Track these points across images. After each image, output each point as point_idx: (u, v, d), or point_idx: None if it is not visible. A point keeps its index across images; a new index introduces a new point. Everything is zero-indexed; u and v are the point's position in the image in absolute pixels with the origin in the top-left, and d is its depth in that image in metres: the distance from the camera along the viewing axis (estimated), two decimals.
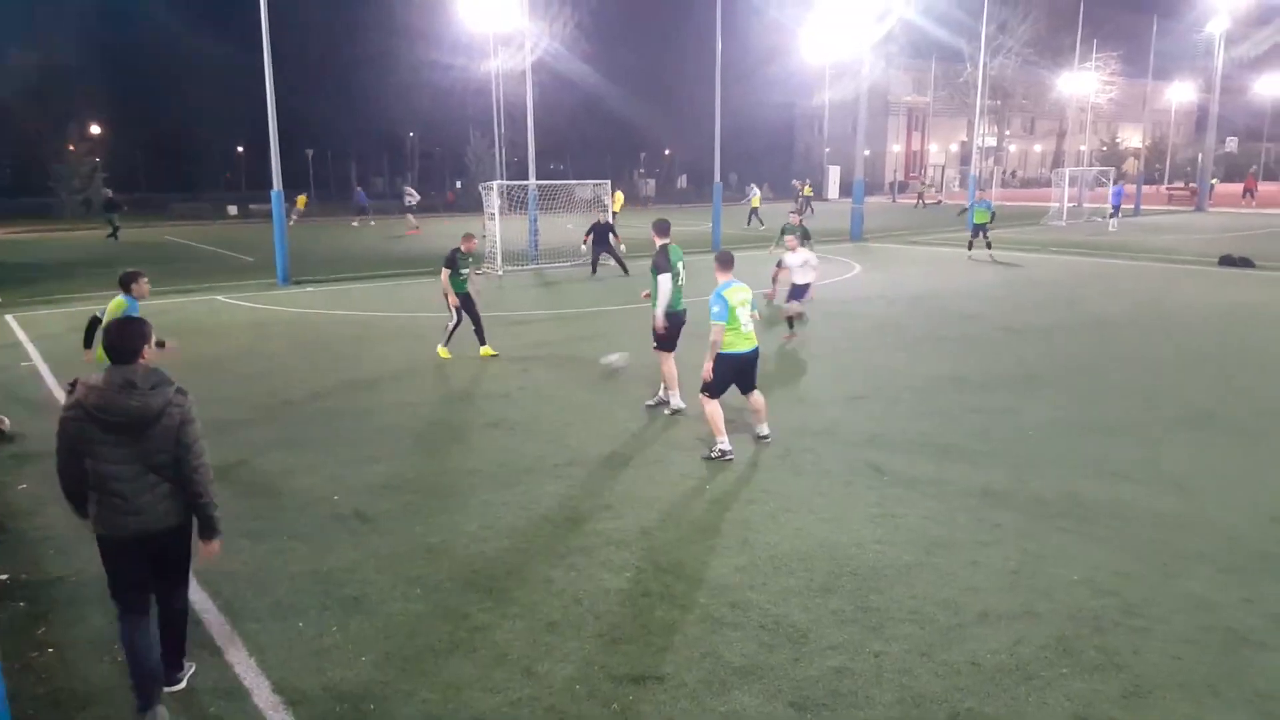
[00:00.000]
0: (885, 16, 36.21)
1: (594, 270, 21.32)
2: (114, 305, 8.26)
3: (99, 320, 8.39)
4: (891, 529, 6.27)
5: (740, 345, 7.77)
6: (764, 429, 8.22)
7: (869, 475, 7.36)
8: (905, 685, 4.40)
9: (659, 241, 9.27)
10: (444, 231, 37.52)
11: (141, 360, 4.09)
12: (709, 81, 27.50)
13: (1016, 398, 9.83)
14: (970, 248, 23.99)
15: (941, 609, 5.12)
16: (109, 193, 39.33)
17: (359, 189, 48.10)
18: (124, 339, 4.07)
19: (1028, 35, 62.36)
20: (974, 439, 8.34)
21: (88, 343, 8.40)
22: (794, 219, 18.32)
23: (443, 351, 12.07)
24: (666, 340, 9.28)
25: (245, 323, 15.48)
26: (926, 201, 54.52)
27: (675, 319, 9.27)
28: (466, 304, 12.03)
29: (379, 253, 28.23)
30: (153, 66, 58.07)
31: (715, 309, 7.61)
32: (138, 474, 3.99)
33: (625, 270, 20.85)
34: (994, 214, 24.21)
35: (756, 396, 8.09)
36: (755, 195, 40.57)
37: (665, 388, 9.47)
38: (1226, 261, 21.82)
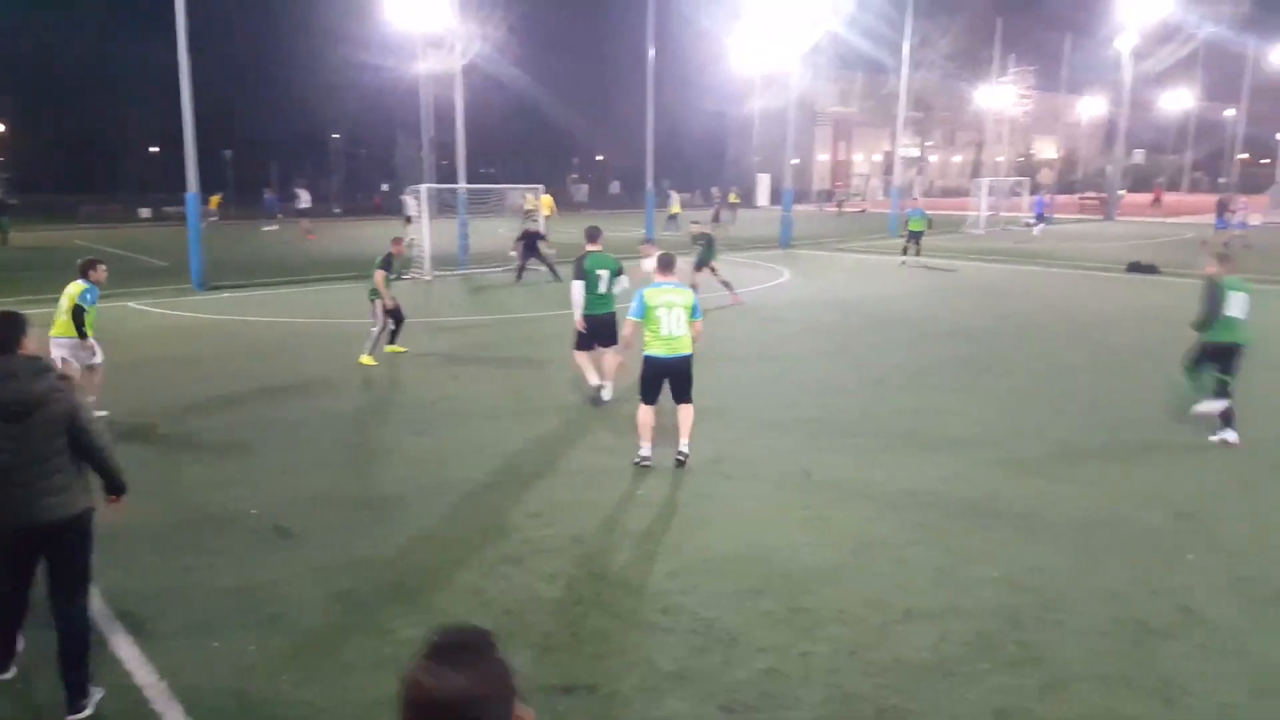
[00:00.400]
0: (813, 28, 36.87)
1: (519, 277, 21.19)
2: (73, 289, 8.94)
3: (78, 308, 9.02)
4: (821, 530, 6.36)
5: (657, 348, 7.53)
6: (684, 445, 7.69)
7: (798, 478, 7.46)
8: (833, 684, 4.46)
9: (585, 248, 9.81)
10: (373, 235, 36.90)
11: (21, 351, 4.07)
12: (642, 88, 27.65)
13: (940, 400, 10.09)
14: (905, 252, 24.43)
15: (869, 608, 5.22)
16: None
17: (267, 192, 45.60)
18: (2, 330, 4.07)
19: (948, 49, 64.25)
20: (900, 440, 8.53)
21: (77, 326, 8.96)
22: (694, 228, 18.61)
23: (367, 359, 11.81)
24: (582, 340, 9.82)
25: (158, 330, 14.91)
26: (845, 210, 55.61)
27: (593, 320, 9.72)
28: (396, 308, 11.89)
29: (299, 257, 27.56)
30: (62, 64, 55.80)
31: (632, 304, 7.61)
32: (27, 464, 3.95)
33: (556, 276, 20.72)
34: (930, 222, 24.80)
35: (684, 409, 7.71)
36: (675, 201, 40.37)
37: (589, 376, 9.94)
38: (1134, 268, 22.81)
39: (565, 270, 20.54)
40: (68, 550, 4.06)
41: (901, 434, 8.77)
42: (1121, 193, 52.22)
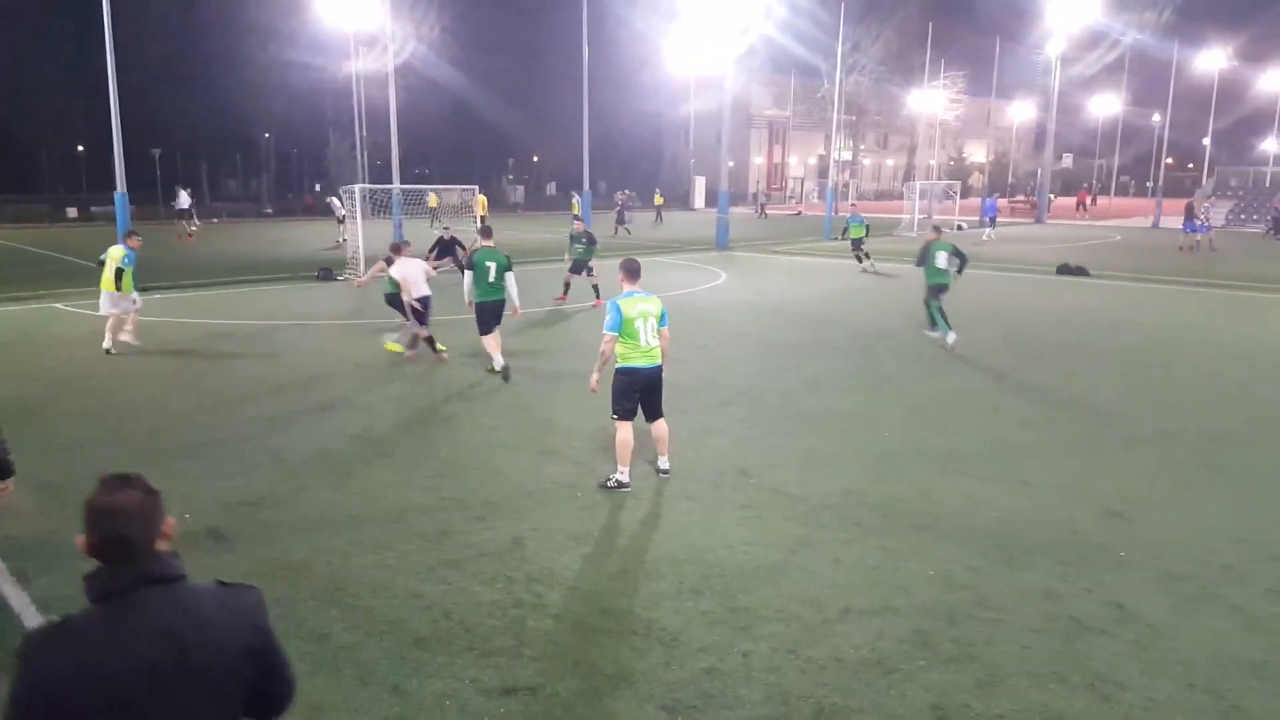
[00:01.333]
0: (747, 31, 37.23)
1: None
2: (115, 253, 12.39)
3: (103, 263, 12.49)
4: (758, 530, 6.42)
5: (636, 360, 7.11)
6: (664, 462, 7.51)
7: (736, 479, 7.52)
8: (773, 683, 4.50)
9: (479, 243, 11.46)
10: (302, 237, 36.15)
11: None
12: (578, 89, 27.64)
13: (872, 400, 10.27)
14: (860, 261, 23.91)
15: (807, 607, 5.28)
16: None
17: (184, 191, 42.91)
18: None
19: (880, 54, 65.58)
20: (835, 441, 8.66)
21: (116, 283, 12.18)
22: (577, 225, 18.68)
23: (393, 346, 12.54)
24: (479, 324, 11.22)
25: (86, 332, 14.36)
26: (767, 214, 55.88)
27: (480, 307, 11.12)
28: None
29: (229, 257, 26.86)
30: None
31: (608, 318, 7.08)
32: None
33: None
34: (869, 227, 24.96)
35: (660, 425, 7.43)
36: (576, 203, 39.80)
37: (495, 356, 11.17)
38: (1064, 270, 23.51)
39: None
40: None
41: (836, 434, 8.90)
42: (1051, 196, 53.86)
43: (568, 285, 17.73)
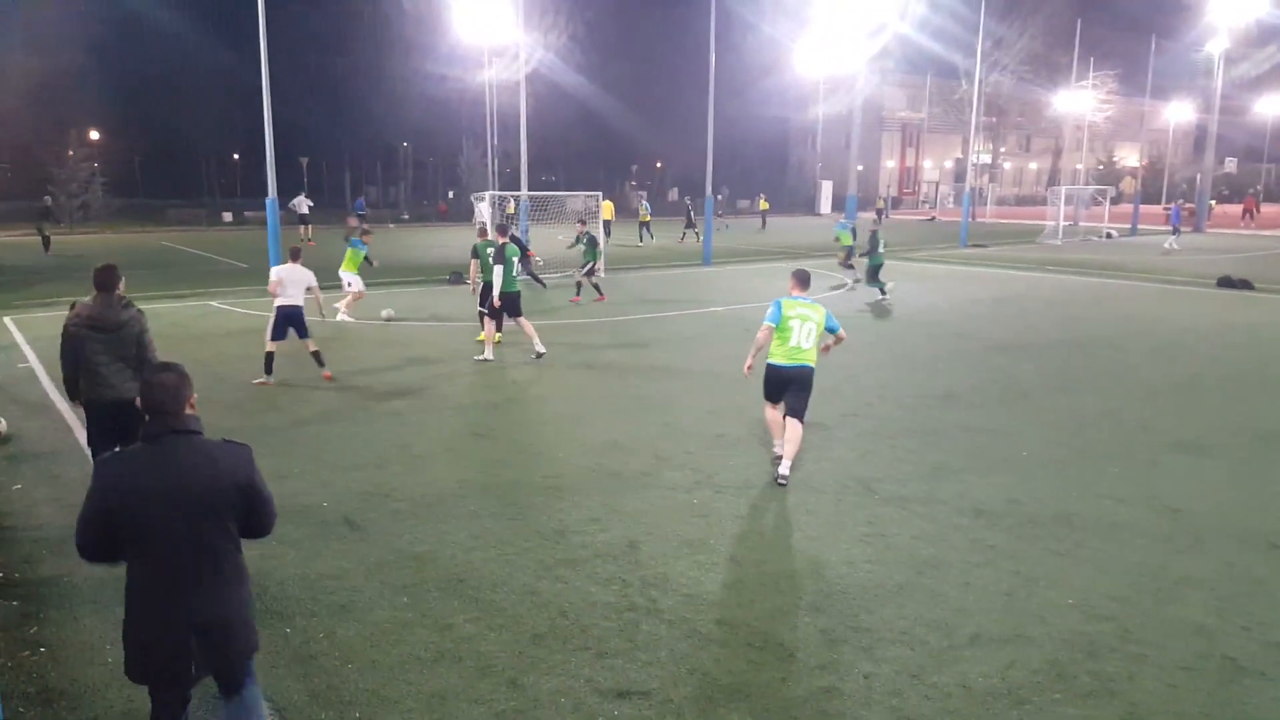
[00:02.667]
0: (880, 31, 36.34)
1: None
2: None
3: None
4: (882, 548, 6.20)
5: (778, 358, 7.62)
6: (785, 467, 7.48)
7: (860, 493, 7.30)
8: (895, 707, 4.33)
9: (500, 240, 12.41)
10: (435, 242, 37.55)
11: (117, 291, 6.22)
12: (703, 94, 27.58)
13: (1009, 417, 9.79)
14: (854, 279, 21.67)
15: (932, 630, 5.06)
16: (47, 200, 37.97)
17: (304, 198, 43.57)
18: (107, 276, 6.23)
19: (1024, 52, 62.72)
20: (966, 458, 8.29)
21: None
22: (579, 228, 19.50)
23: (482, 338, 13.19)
24: (497, 311, 12.50)
25: (238, 329, 15.37)
26: (882, 220, 53.43)
27: (507, 297, 12.35)
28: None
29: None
30: (151, 74, 58.27)
31: (769, 311, 7.69)
32: (111, 360, 6.09)
33: (543, 284, 20.89)
34: (855, 234, 22.72)
35: (792, 425, 7.53)
36: (644, 208, 38.27)
37: (487, 344, 12.71)
38: (1225, 283, 21.82)
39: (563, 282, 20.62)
40: (137, 421, 4.63)
41: (968, 450, 8.52)
42: (1211, 203, 50.23)
43: (580, 285, 19.00)
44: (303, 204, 36.92)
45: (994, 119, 69.08)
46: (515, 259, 12.40)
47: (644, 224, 37.23)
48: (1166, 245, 32.80)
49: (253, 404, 10.17)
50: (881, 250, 18.97)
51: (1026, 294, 20.40)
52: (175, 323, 15.82)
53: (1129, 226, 43.18)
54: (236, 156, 66.73)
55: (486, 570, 5.81)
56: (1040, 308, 18.18)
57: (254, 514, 3.45)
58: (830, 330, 7.78)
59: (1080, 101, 54.33)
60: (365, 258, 16.54)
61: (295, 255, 11.43)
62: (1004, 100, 68.05)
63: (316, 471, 7.75)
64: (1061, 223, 39.04)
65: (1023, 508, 6.97)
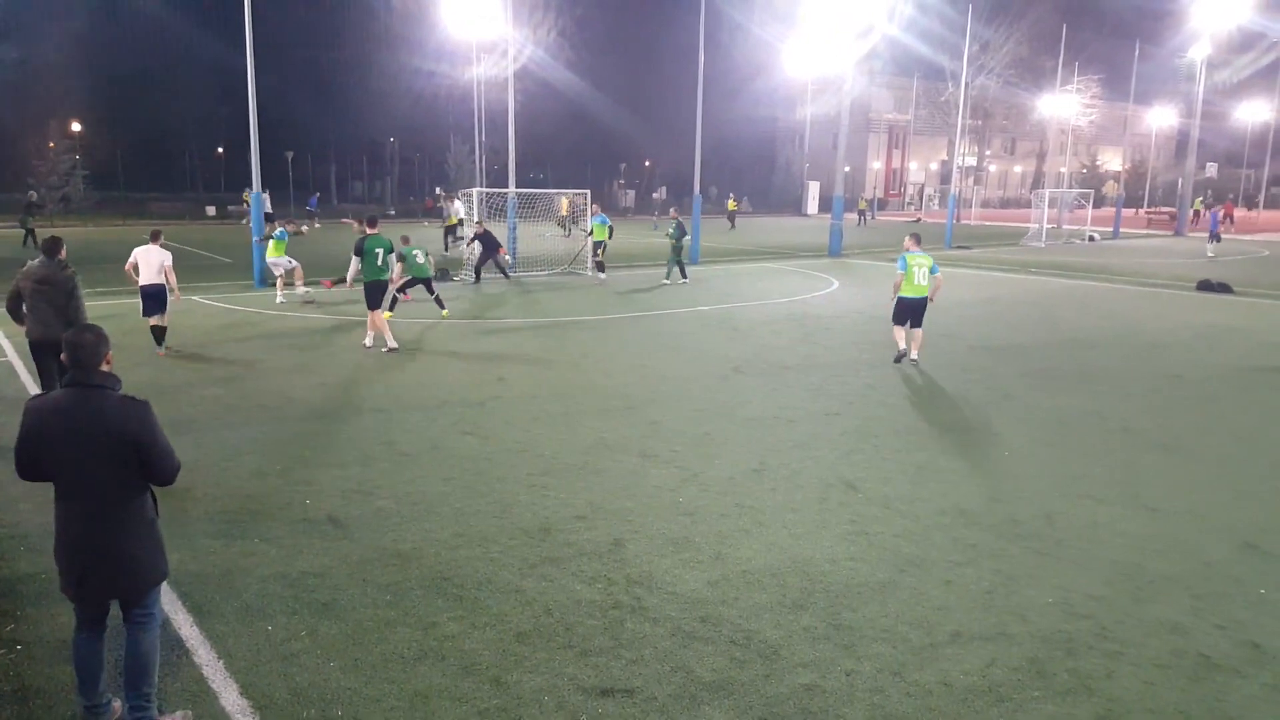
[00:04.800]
0: (868, 33, 36.47)
1: (477, 279, 21.87)
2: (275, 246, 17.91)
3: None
4: (865, 546, 6.25)
5: (908, 292, 12.28)
6: (915, 354, 12.53)
7: (843, 491, 7.35)
8: (876, 705, 4.37)
9: (367, 231, 12.76)
10: (422, 237, 37.36)
11: (60, 256, 8.31)
12: (691, 93, 27.62)
13: (991, 417, 9.86)
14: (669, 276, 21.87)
15: (914, 628, 5.10)
16: (33, 195, 37.77)
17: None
18: (54, 244, 8.44)
19: (1010, 56, 63.12)
20: (949, 457, 8.35)
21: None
22: (476, 227, 21.21)
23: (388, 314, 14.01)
24: (371, 300, 12.81)
25: (220, 324, 15.29)
26: (867, 220, 53.22)
27: (371, 285, 12.72)
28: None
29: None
30: (135, 67, 57.74)
31: (899, 262, 12.43)
32: (48, 307, 8.20)
33: (507, 276, 22.32)
34: (612, 229, 23.01)
35: (918, 331, 12.53)
36: (455, 211, 31.40)
37: (376, 334, 13.10)
38: (1205, 286, 22.05)
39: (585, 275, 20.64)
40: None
41: (951, 451, 8.59)
42: (1198, 208, 50.60)
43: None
44: (264, 203, 36.45)
45: (980, 122, 69.56)
46: (379, 250, 12.74)
47: (450, 228, 32.58)
48: (1209, 253, 32.10)
49: (237, 400, 10.11)
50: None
51: (1010, 295, 20.55)
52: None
53: (1111, 230, 43.57)
54: (221, 150, 66.19)
55: (471, 568, 5.81)
56: (1023, 309, 18.32)
57: (148, 464, 3.89)
58: (933, 272, 12.29)
59: (1065, 105, 54.74)
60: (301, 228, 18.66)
61: (155, 237, 12.43)
62: (990, 103, 68.55)
63: (299, 469, 7.72)
64: (1045, 225, 39.33)
65: (1004, 507, 7.03)
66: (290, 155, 52.58)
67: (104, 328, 4.02)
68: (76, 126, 53.43)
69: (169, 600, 5.26)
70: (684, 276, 21.71)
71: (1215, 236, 33.46)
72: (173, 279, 12.28)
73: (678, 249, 21.27)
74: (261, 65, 19.96)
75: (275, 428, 9.04)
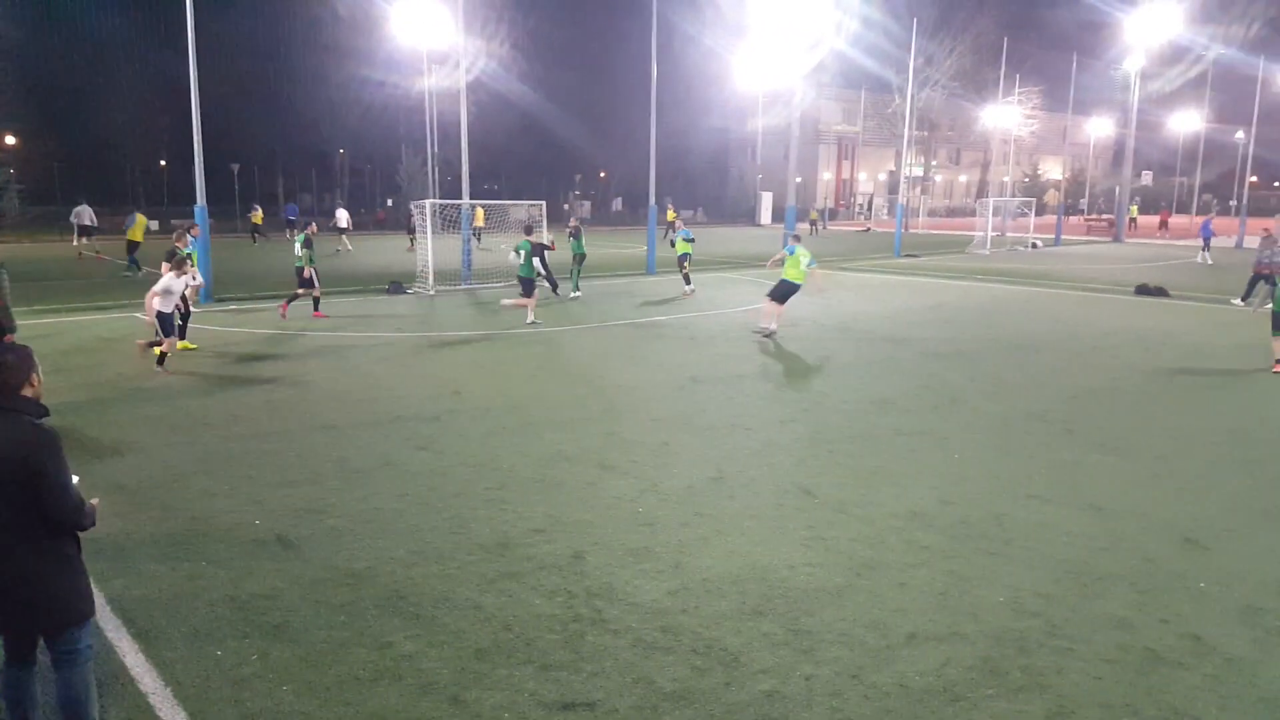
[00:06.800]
0: (816, 46, 37.01)
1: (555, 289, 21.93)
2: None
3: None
4: (822, 551, 6.31)
5: (792, 276, 15.19)
6: (774, 326, 15.18)
7: (799, 498, 7.42)
8: (835, 708, 4.41)
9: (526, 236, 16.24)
10: (374, 249, 37.03)
11: None
12: (645, 105, 27.77)
13: (941, 421, 10.05)
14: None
15: (871, 631, 5.16)
16: None
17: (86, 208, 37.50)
18: None
19: (953, 69, 64.48)
20: (901, 462, 8.48)
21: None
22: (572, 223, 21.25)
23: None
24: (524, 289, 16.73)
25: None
26: (819, 229, 54.02)
27: (523, 279, 16.78)
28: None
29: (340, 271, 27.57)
30: (73, 76, 56.23)
31: (788, 250, 15.37)
32: None
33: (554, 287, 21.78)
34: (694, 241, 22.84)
35: (782, 307, 15.41)
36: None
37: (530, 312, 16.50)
38: (1143, 290, 22.72)
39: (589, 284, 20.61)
40: None
41: (903, 455, 8.72)
42: (1132, 215, 52.06)
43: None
44: (85, 214, 34.41)
45: (926, 133, 70.87)
46: (523, 251, 16.24)
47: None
48: (1199, 259, 32.34)
49: (181, 419, 9.88)
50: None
51: (957, 302, 20.96)
52: (97, 335, 15.30)
53: (1053, 237, 44.68)
54: (164, 163, 64.79)
55: (427, 586, 5.74)
56: (970, 315, 18.69)
57: (42, 500, 3.60)
58: (810, 265, 15.10)
59: (1007, 116, 56.06)
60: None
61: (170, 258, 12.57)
62: (935, 115, 69.90)
63: (248, 488, 7.57)
64: (990, 233, 40.18)
65: (955, 509, 7.16)
66: (236, 168, 51.63)
67: (32, 349, 3.86)
68: (10, 139, 51.93)
69: (112, 627, 5.11)
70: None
71: (1207, 244, 33.14)
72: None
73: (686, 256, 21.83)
74: (205, 75, 19.59)
75: (221, 446, 8.85)
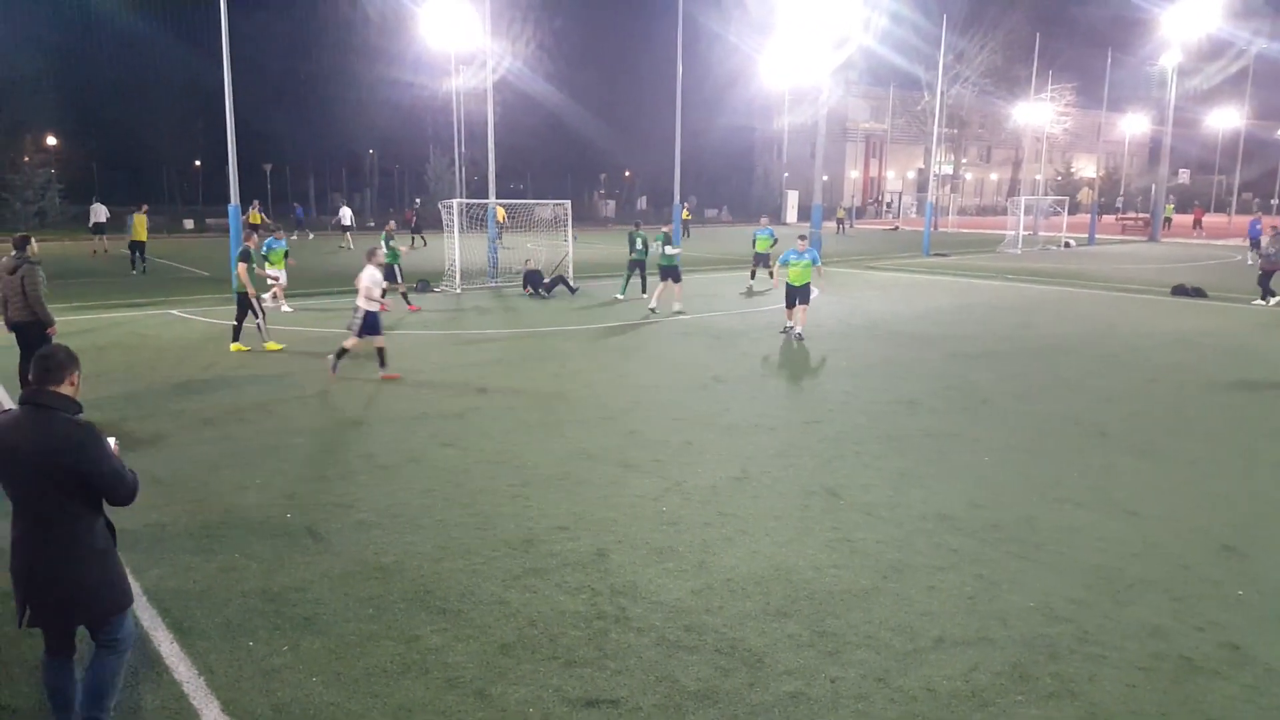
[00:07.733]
0: (844, 43, 36.78)
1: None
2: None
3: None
4: (848, 553, 6.27)
5: (794, 279, 14.87)
6: (800, 328, 14.94)
7: (825, 499, 7.37)
8: (861, 711, 4.37)
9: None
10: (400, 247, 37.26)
11: (29, 249, 9.55)
12: (670, 103, 27.77)
13: (971, 423, 9.93)
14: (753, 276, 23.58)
15: (897, 634, 5.12)
16: None
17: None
18: (23, 239, 9.74)
19: (984, 65, 63.79)
20: (929, 464, 8.40)
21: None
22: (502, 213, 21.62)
23: (272, 345, 13.90)
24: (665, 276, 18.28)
25: (199, 337, 15.14)
26: (847, 229, 53.13)
27: (665, 268, 18.51)
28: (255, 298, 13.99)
29: (332, 268, 27.85)
30: (110, 78, 57.21)
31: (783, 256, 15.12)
32: (14, 295, 9.43)
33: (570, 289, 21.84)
34: (776, 241, 23.24)
35: (803, 309, 15.01)
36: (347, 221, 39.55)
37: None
38: (1179, 291, 22.32)
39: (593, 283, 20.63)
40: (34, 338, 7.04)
41: (931, 457, 8.64)
42: (1168, 214, 51.18)
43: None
44: (99, 211, 35.97)
45: (956, 130, 70.16)
46: (658, 241, 18.66)
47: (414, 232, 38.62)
48: (1247, 260, 31.42)
49: (213, 413, 10.02)
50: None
51: (987, 302, 20.73)
52: (134, 331, 15.54)
53: (1086, 236, 44.05)
54: (198, 163, 65.68)
55: (453, 581, 5.78)
56: (1001, 315, 18.48)
57: (99, 491, 3.76)
58: (814, 263, 14.89)
59: (1039, 113, 55.37)
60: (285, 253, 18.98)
61: (370, 256, 12.19)
62: (965, 112, 69.20)
63: (280, 484, 7.66)
64: (1021, 232, 39.69)
65: (985, 512, 7.07)
66: (269, 168, 52.24)
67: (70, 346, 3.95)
68: (52, 140, 52.89)
69: (148, 617, 5.21)
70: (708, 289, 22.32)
71: (1256, 244, 31.12)
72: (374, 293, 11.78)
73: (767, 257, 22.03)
74: (239, 78, 19.87)
75: (253, 441, 8.96)
